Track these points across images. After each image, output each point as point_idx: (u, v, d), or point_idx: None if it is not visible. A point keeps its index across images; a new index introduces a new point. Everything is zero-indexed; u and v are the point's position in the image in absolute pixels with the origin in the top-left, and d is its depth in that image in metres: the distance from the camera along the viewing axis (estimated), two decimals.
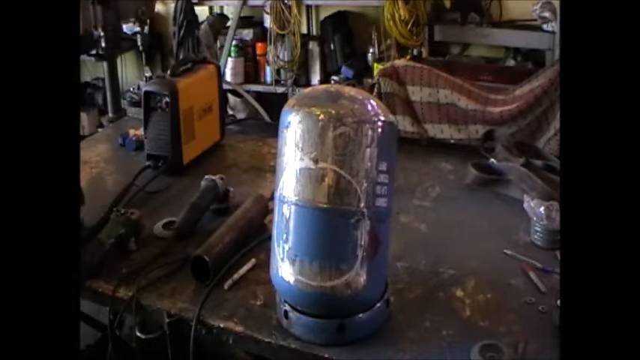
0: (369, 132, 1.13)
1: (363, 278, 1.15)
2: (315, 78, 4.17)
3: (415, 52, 3.77)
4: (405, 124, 2.09)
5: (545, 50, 3.44)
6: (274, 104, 3.92)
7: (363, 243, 1.14)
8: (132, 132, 2.12)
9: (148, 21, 3.35)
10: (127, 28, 3.88)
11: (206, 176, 1.67)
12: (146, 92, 1.88)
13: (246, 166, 1.97)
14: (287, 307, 1.23)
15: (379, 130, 1.14)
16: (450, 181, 1.83)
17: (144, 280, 1.39)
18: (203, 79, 1.98)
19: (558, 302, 1.22)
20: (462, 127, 2.07)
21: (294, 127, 1.15)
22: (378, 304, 1.23)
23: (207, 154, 2.01)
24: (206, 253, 1.38)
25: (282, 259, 1.17)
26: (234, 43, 4.16)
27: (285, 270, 1.18)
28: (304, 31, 4.25)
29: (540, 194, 1.56)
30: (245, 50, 4.27)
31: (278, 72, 4.19)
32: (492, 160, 1.80)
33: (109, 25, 2.92)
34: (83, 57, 3.39)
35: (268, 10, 4.06)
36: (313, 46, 4.17)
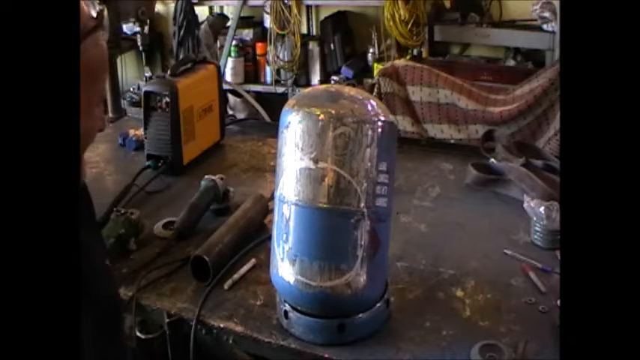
0: (369, 132, 1.13)
1: (363, 278, 1.15)
2: (315, 78, 4.17)
3: (415, 52, 3.77)
4: (405, 124, 2.10)
5: (545, 50, 3.44)
6: (274, 104, 3.91)
7: (363, 243, 1.14)
8: (132, 132, 2.12)
9: (148, 21, 3.34)
10: (127, 28, 3.88)
11: (206, 176, 1.67)
12: (146, 92, 1.88)
13: (246, 166, 1.97)
14: (287, 307, 1.23)
15: (379, 130, 1.14)
16: (450, 181, 1.83)
17: (144, 280, 1.39)
18: (203, 79, 1.98)
19: (558, 302, 1.22)
20: (462, 127, 2.08)
21: (294, 127, 1.15)
22: (378, 304, 1.23)
23: (207, 154, 2.01)
24: (206, 253, 1.38)
25: (282, 259, 1.18)
26: (234, 43, 4.16)
27: (285, 270, 1.18)
28: (304, 31, 4.25)
29: (540, 194, 1.56)
30: (245, 50, 4.27)
31: (278, 72, 4.19)
32: (492, 160, 1.80)
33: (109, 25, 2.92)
34: None
35: (268, 10, 4.06)
36: (313, 46, 4.17)
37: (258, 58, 4.30)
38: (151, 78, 3.66)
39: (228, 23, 4.15)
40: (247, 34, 4.30)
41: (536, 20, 3.41)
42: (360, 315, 1.20)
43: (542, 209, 1.46)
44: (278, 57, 4.11)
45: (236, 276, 1.40)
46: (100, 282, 1.05)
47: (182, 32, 3.95)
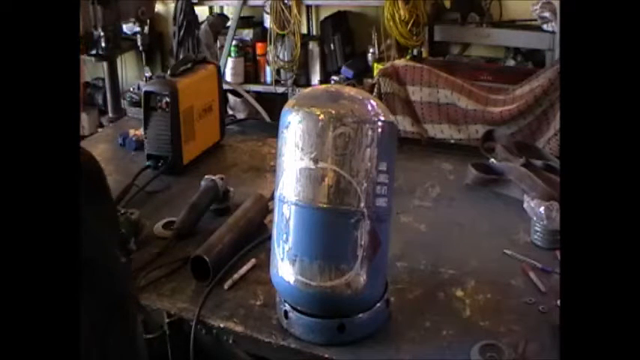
0: (369, 132, 1.13)
1: (363, 278, 1.15)
2: (315, 78, 4.18)
3: (415, 52, 3.77)
4: (405, 124, 2.09)
5: (545, 50, 3.44)
6: (274, 104, 3.92)
7: (363, 243, 1.14)
8: (132, 132, 2.12)
9: (148, 21, 3.34)
10: (127, 28, 3.88)
11: (206, 176, 1.67)
12: (146, 92, 1.88)
13: (246, 166, 1.97)
14: (287, 307, 1.23)
15: (379, 130, 1.14)
16: (450, 181, 1.83)
17: (144, 280, 1.39)
18: (203, 79, 1.98)
19: (558, 302, 1.22)
20: (462, 127, 2.07)
21: (294, 127, 1.15)
22: (378, 304, 1.23)
23: (207, 154, 2.01)
24: (206, 253, 1.38)
25: (282, 259, 1.18)
26: (234, 43, 4.16)
27: (285, 270, 1.18)
28: (304, 31, 4.25)
29: (540, 194, 1.56)
30: (245, 50, 4.28)
31: (278, 72, 4.19)
32: (492, 160, 1.80)
33: (109, 25, 2.92)
34: (83, 57, 3.39)
35: (268, 10, 4.06)
36: (313, 46, 4.17)
37: (258, 58, 4.30)
38: (150, 78, 3.65)
39: (228, 23, 4.15)
40: (247, 34, 4.30)
41: (536, 20, 3.41)
42: (360, 315, 1.20)
43: (542, 209, 1.46)
44: (278, 57, 4.11)
45: (236, 276, 1.39)
46: (103, 272, 1.01)
47: (182, 32, 3.95)
